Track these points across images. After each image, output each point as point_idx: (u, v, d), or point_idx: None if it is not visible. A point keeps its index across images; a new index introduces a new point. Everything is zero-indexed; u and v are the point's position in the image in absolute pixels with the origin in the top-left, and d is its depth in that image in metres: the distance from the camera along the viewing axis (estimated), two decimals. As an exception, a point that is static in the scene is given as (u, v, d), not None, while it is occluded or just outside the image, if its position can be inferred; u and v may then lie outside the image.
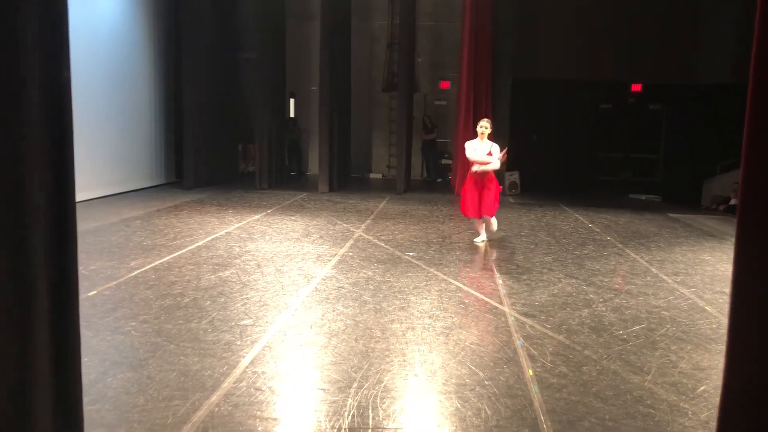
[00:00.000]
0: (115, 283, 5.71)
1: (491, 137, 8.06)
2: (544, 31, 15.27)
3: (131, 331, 4.49)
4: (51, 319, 1.81)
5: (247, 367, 3.89)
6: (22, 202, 1.71)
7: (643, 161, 15.86)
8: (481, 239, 8.28)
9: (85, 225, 8.54)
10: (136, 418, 3.19)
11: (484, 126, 7.96)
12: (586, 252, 7.84)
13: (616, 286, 6.22)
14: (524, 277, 6.42)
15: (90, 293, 5.34)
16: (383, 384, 3.69)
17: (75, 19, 1.88)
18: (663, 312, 5.32)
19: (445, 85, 17.03)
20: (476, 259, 7.21)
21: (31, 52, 1.69)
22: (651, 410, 3.45)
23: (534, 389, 3.67)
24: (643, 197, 14.25)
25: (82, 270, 6.07)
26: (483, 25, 13.90)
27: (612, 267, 7.05)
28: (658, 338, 4.65)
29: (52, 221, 1.80)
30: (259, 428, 3.12)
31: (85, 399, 3.34)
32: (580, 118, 15.82)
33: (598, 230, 9.57)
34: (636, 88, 16.18)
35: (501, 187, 8.33)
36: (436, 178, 16.77)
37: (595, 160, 16.05)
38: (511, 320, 4.95)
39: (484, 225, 8.32)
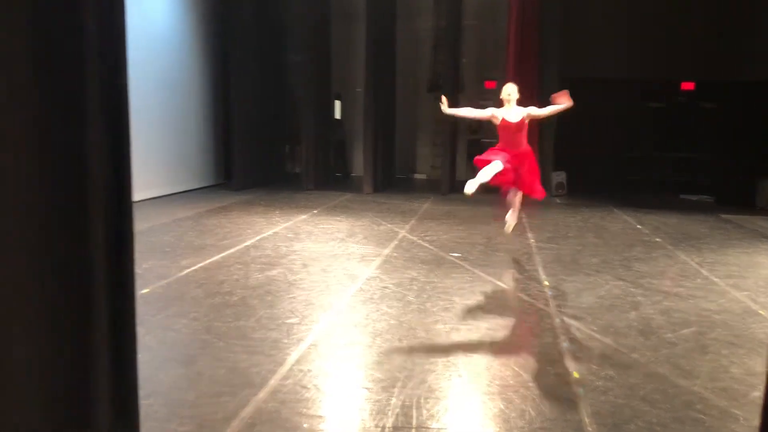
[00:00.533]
0: (166, 281, 5.88)
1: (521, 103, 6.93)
2: (592, 28, 15.03)
3: (182, 328, 4.62)
4: (109, 316, 1.89)
5: (293, 364, 3.97)
6: (84, 204, 1.80)
7: (695, 161, 15.45)
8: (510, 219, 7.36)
9: (138, 225, 8.75)
10: (186, 413, 3.29)
11: (508, 92, 6.76)
12: (634, 254, 7.71)
13: (665, 288, 6.10)
14: (570, 278, 6.35)
15: (143, 291, 5.51)
16: (427, 384, 3.71)
17: (128, 24, 1.97)
18: (714, 315, 5.20)
19: (490, 85, 16.90)
20: (522, 261, 7.16)
21: (92, 60, 1.78)
22: (701, 415, 3.38)
23: (579, 392, 3.64)
24: (695, 198, 13.90)
25: (136, 269, 6.25)
26: (529, 23, 13.78)
27: (661, 269, 6.91)
28: (708, 342, 4.55)
29: (112, 222, 1.89)
30: (305, 425, 3.18)
31: (140, 393, 3.47)
32: (629, 117, 15.52)
33: (647, 231, 9.38)
34: (688, 86, 15.80)
35: (539, 174, 7.20)
36: (481, 178, 16.67)
37: (645, 160, 15.72)
38: (556, 322, 4.91)
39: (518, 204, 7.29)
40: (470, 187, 6.64)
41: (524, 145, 6.77)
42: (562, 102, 6.70)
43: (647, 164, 15.81)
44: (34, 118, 1.69)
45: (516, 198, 7.19)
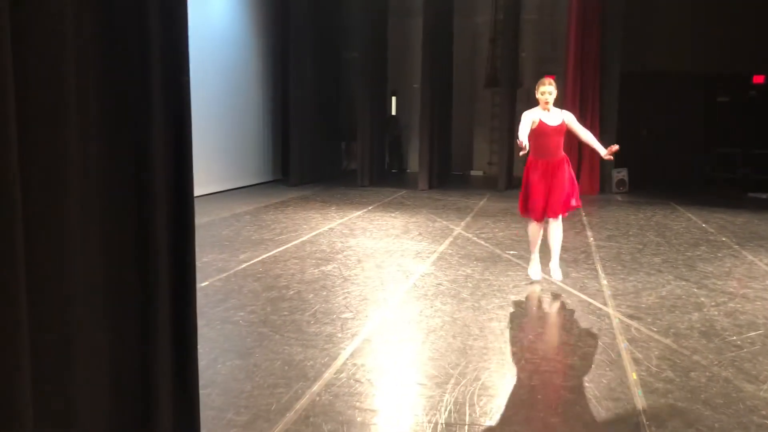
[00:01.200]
0: (225, 275, 6.02)
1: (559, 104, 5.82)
2: (656, 21, 14.61)
3: (240, 321, 4.73)
4: (171, 308, 1.96)
5: (347, 359, 4.01)
6: (147, 198, 1.86)
7: (764, 157, 14.82)
8: (535, 271, 5.97)
9: (198, 219, 9.00)
10: (243, 404, 3.36)
11: (547, 90, 5.59)
12: (698, 253, 7.46)
13: (731, 289, 5.88)
14: (631, 278, 6.20)
15: (202, 284, 5.66)
16: (481, 381, 3.69)
17: (190, 22, 2.02)
18: (783, 318, 4.98)
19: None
20: (580, 260, 7.02)
21: (156, 60, 1.84)
22: (766, 421, 3.25)
23: (638, 393, 3.55)
24: (764, 196, 13.32)
25: (196, 262, 6.43)
26: (590, 15, 13.45)
27: (727, 269, 6.67)
28: (776, 346, 4.37)
29: (174, 216, 1.95)
30: (358, 419, 3.21)
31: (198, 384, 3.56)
32: (694, 112, 15.02)
33: (712, 230, 9.06)
34: (759, 79, 15.17)
35: (575, 181, 5.85)
36: (539, 175, 16.42)
37: (711, 156, 15.18)
38: (615, 322, 4.81)
39: (540, 240, 5.91)
40: (533, 271, 5.95)
41: (561, 153, 5.70)
42: (607, 154, 5.71)
43: (713, 161, 15.26)
44: (102, 114, 1.75)
45: (538, 236, 5.89)
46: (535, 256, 5.93)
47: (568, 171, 5.66)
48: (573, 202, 5.68)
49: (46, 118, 1.55)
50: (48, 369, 1.57)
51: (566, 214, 5.83)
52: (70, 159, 1.61)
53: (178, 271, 2.00)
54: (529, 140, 5.34)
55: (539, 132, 5.52)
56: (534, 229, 5.84)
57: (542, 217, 5.69)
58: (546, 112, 5.57)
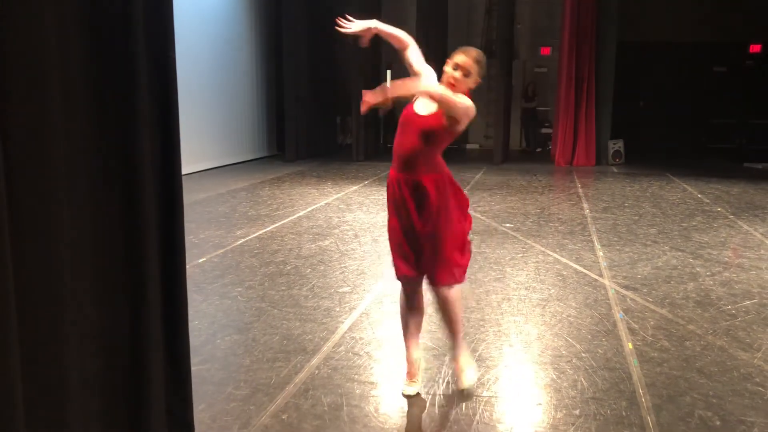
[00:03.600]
0: (222, 251, 6.02)
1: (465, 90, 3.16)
2: (652, -10, 14.48)
3: (237, 296, 4.74)
4: (161, 284, 1.96)
5: (345, 332, 4.03)
6: (133, 175, 1.86)
7: (761, 127, 14.80)
8: (411, 389, 3.22)
9: (194, 196, 9.01)
10: (242, 378, 3.39)
11: (456, 62, 3.11)
12: (694, 224, 7.48)
13: (726, 259, 5.91)
14: (626, 249, 6.23)
15: (200, 260, 5.67)
16: (478, 353, 3.72)
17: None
18: (778, 287, 5.02)
19: (545, 51, 16.53)
20: (576, 231, 7.04)
21: (140, 34, 1.82)
22: (760, 388, 3.30)
23: (633, 363, 3.59)
24: (760, 166, 13.34)
25: (192, 239, 6.44)
26: (586, -14, 13.33)
27: (722, 239, 6.70)
28: (771, 314, 4.41)
29: (161, 192, 1.94)
30: (357, 391, 3.24)
31: (196, 359, 3.59)
32: (691, 82, 14.96)
33: (707, 201, 9.08)
34: (755, 48, 15.09)
35: (467, 199, 3.47)
36: (535, 147, 16.41)
37: (707, 126, 15.16)
38: (611, 293, 4.84)
39: (419, 331, 3.39)
40: (409, 389, 3.24)
41: (428, 168, 3.17)
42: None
43: (709, 131, 15.25)
44: (86, 89, 1.73)
45: (408, 311, 3.34)
46: (411, 355, 3.29)
47: (445, 208, 3.16)
48: (455, 274, 3.14)
49: (29, 93, 1.53)
50: (38, 345, 1.58)
51: (451, 284, 3.15)
52: (54, 137, 1.60)
53: (168, 246, 2.00)
54: (438, 147, 3.17)
55: (404, 118, 3.16)
56: (402, 300, 3.32)
57: (412, 275, 3.17)
58: (424, 100, 3.12)
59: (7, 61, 1.48)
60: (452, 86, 3.06)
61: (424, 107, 3.12)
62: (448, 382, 3.34)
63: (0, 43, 1.44)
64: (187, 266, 5.50)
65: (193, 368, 3.42)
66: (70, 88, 1.66)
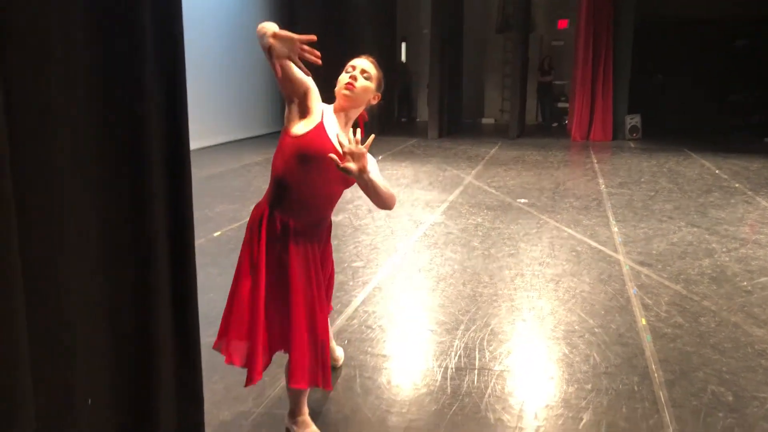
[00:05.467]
0: (237, 224, 6.06)
1: (362, 120, 2.61)
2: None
3: (252, 269, 4.77)
4: (170, 261, 1.98)
5: (358, 306, 4.06)
6: (141, 150, 1.86)
7: (783, 102, 14.54)
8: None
9: (208, 170, 9.04)
10: (257, 350, 3.42)
11: (360, 66, 2.53)
12: (711, 200, 7.41)
13: (743, 235, 5.86)
14: (642, 225, 6.18)
15: (215, 234, 5.70)
16: (490, 327, 3.73)
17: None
18: (795, 264, 4.98)
19: (562, 24, 16.30)
20: (591, 207, 7.00)
21: (147, 5, 1.81)
22: (774, 365, 3.29)
23: (647, 338, 3.59)
24: (781, 141, 13.15)
25: (207, 212, 6.48)
26: (605, -42, 13.08)
27: (739, 216, 6.63)
28: (787, 291, 4.37)
29: (169, 168, 1.94)
30: (371, 364, 3.27)
31: (211, 331, 3.62)
32: (711, 56, 14.70)
33: (725, 177, 8.98)
34: (778, 21, 14.77)
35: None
36: (552, 122, 16.28)
37: (727, 101, 14.92)
38: (625, 269, 4.82)
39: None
40: None
41: (326, 219, 2.65)
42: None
43: (729, 106, 15.01)
44: (91, 68, 1.73)
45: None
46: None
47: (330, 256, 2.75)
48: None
49: (32, 71, 1.53)
50: (44, 323, 1.60)
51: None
52: (58, 111, 1.60)
53: (176, 223, 2.00)
54: (289, 168, 2.44)
55: (313, 149, 2.37)
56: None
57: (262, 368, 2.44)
58: (339, 125, 2.49)
59: (10, 33, 1.48)
60: (351, 91, 2.47)
61: (331, 141, 2.39)
62: (460, 356, 3.36)
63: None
64: (203, 239, 5.56)
65: (208, 340, 3.46)
66: (75, 64, 1.66)
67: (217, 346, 2.51)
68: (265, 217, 2.47)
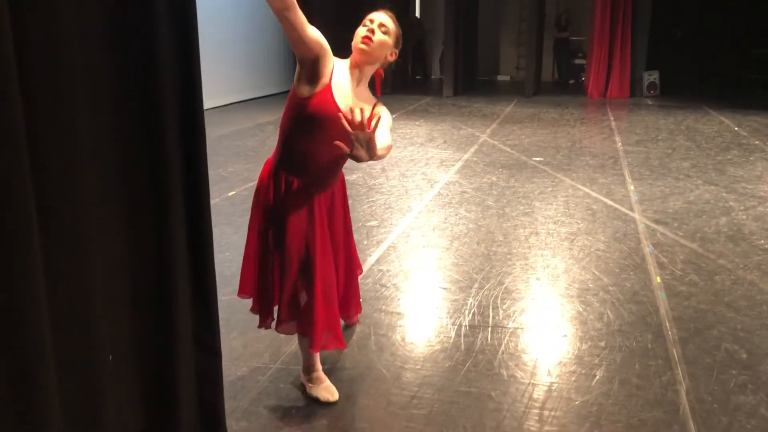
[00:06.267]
0: (251, 184, 6.07)
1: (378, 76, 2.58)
2: None
3: (267, 229, 4.80)
4: (186, 218, 1.99)
5: (373, 265, 4.08)
6: (155, 112, 1.86)
7: (806, 57, 14.16)
8: None
9: (222, 130, 9.03)
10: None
11: (379, 20, 2.44)
12: (729, 157, 7.31)
13: (761, 193, 5.79)
14: (659, 183, 6.13)
15: (230, 194, 5.73)
16: (504, 286, 3.75)
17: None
18: (813, 222, 4.92)
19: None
20: (607, 165, 6.94)
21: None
22: (789, 323, 3.28)
23: (661, 296, 3.59)
24: (803, 97, 12.87)
25: (221, 172, 6.49)
26: None
27: (758, 173, 6.54)
28: (804, 249, 4.34)
29: (183, 127, 1.94)
30: (385, 321, 3.31)
31: (228, 289, 3.67)
32: (731, 9, 14.29)
33: (744, 134, 8.84)
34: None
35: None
36: (568, 79, 16.02)
37: (748, 56, 14.56)
38: (641, 227, 4.79)
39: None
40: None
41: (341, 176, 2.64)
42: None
43: (750, 61, 14.66)
44: (102, 26, 1.72)
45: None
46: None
47: (346, 213, 2.73)
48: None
49: (45, 30, 1.53)
50: (64, 272, 1.63)
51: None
52: (73, 74, 1.60)
53: (192, 180, 2.01)
54: (294, 129, 2.40)
55: (314, 111, 2.34)
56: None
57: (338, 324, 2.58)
58: (351, 81, 2.43)
59: (32, 21, 1.47)
60: (367, 44, 2.38)
61: (343, 101, 2.38)
62: (474, 313, 3.38)
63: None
64: (217, 199, 5.58)
65: (225, 298, 3.51)
66: (87, 23, 1.65)
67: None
68: (272, 177, 2.48)
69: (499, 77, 17.05)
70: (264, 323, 2.61)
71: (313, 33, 2.27)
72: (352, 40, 2.43)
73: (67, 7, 1.56)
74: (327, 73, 2.33)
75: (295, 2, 2.15)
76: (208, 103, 9.91)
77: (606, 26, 13.10)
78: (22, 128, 1.43)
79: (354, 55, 2.42)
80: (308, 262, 2.44)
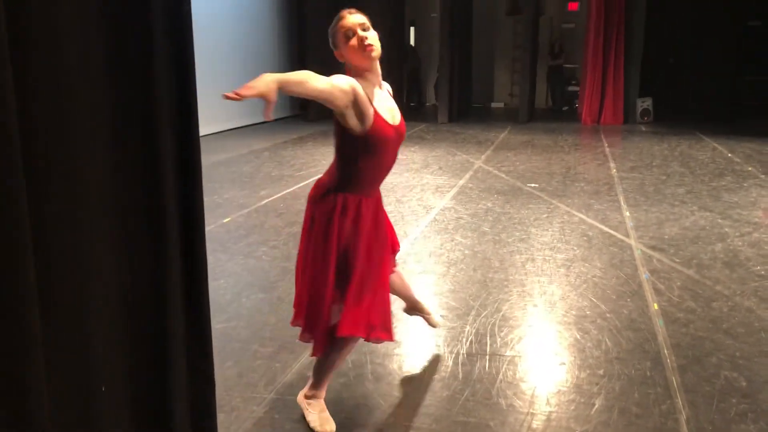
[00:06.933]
0: (246, 211, 6.06)
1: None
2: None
3: (262, 255, 4.78)
4: (180, 245, 1.97)
5: (369, 292, 4.05)
6: (151, 135, 1.85)
7: (797, 84, 14.33)
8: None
9: (217, 156, 9.04)
10: (267, 335, 3.43)
11: (359, 23, 2.46)
12: (723, 183, 7.34)
13: (756, 219, 5.81)
14: (654, 209, 6.14)
15: (224, 220, 5.71)
16: (501, 313, 3.72)
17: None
18: (809, 248, 4.93)
19: (573, 6, 16.13)
20: (602, 191, 6.95)
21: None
22: (788, 350, 3.26)
23: (659, 323, 3.57)
24: (794, 124, 12.99)
25: (217, 198, 6.48)
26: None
27: (752, 199, 6.57)
28: (801, 276, 4.33)
29: (179, 154, 1.94)
30: (382, 350, 3.27)
31: (222, 317, 3.64)
32: (723, 37, 14.48)
33: (738, 160, 8.89)
34: (793, 1, 14.53)
35: None
36: (562, 106, 16.15)
37: (740, 83, 14.73)
38: (637, 253, 4.79)
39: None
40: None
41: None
42: None
43: (742, 88, 14.82)
44: (103, 51, 1.72)
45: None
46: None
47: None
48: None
49: (46, 57, 1.53)
50: (60, 310, 1.61)
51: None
52: (71, 98, 1.60)
53: (186, 206, 2.00)
54: (343, 156, 2.54)
55: (377, 136, 2.45)
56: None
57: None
58: (375, 88, 2.51)
59: (28, 22, 1.47)
60: (373, 49, 2.42)
61: (389, 114, 2.51)
62: (471, 341, 3.35)
63: None
64: (212, 226, 5.56)
65: (219, 326, 3.48)
66: (88, 52, 1.65)
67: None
68: (339, 202, 2.49)
69: (494, 104, 17.18)
70: (310, 336, 2.58)
71: (337, 86, 2.29)
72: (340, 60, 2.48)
73: (66, 44, 1.56)
74: (367, 103, 2.39)
75: (306, 77, 2.23)
76: (203, 129, 9.94)
77: (599, 54, 13.25)
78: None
79: (365, 64, 2.44)
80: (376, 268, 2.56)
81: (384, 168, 2.57)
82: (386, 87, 2.64)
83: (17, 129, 1.41)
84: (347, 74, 2.43)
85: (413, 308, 3.27)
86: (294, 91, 2.22)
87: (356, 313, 2.45)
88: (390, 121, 2.47)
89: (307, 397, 2.67)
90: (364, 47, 2.39)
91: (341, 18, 2.46)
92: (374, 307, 2.51)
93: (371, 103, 2.40)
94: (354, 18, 2.44)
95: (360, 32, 2.41)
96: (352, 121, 2.39)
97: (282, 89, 2.17)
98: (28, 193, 1.45)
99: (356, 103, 2.35)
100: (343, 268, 2.47)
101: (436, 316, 3.33)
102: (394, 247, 2.93)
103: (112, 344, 1.81)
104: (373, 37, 2.42)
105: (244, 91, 2.04)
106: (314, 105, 13.54)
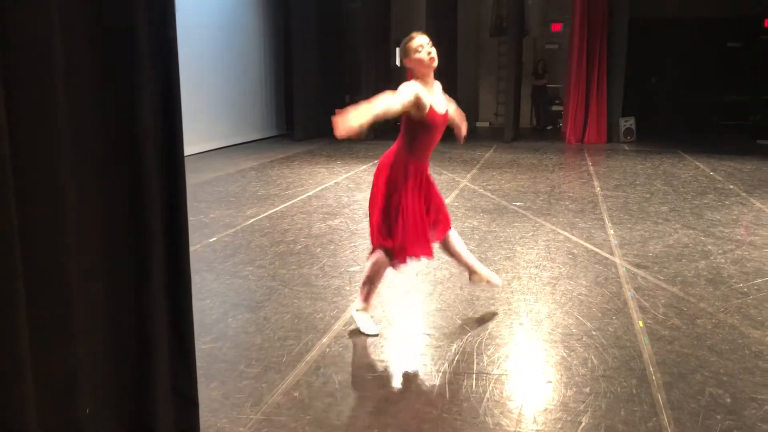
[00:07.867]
0: (233, 230, 6.04)
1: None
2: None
3: (248, 275, 4.76)
4: (165, 265, 1.97)
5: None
6: (136, 156, 1.86)
7: (776, 103, 14.58)
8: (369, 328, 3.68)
9: (204, 176, 9.03)
10: (254, 356, 3.41)
11: (427, 43, 3.45)
12: (705, 201, 7.43)
13: (738, 237, 5.88)
14: (638, 227, 6.19)
15: (211, 240, 5.69)
16: (488, 331, 3.73)
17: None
18: (790, 265, 4.99)
19: (556, 27, 16.35)
20: (587, 210, 7.01)
21: (141, 12, 1.80)
22: (771, 366, 3.29)
23: (644, 341, 3.59)
24: (774, 143, 13.19)
25: (203, 218, 6.46)
26: (598, -40, 13.12)
27: (734, 217, 6.65)
28: (783, 292, 4.38)
29: (164, 173, 1.94)
30: (369, 370, 3.26)
31: (208, 337, 3.62)
32: (704, 58, 14.75)
33: (720, 178, 9.01)
34: (770, 23, 14.84)
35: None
36: (546, 125, 16.30)
37: (721, 103, 14.97)
38: (622, 271, 4.82)
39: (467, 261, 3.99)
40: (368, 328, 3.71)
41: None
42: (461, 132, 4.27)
43: (723, 108, 15.06)
44: (88, 71, 1.73)
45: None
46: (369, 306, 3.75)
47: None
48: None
49: (33, 76, 1.53)
50: (45, 328, 1.60)
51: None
52: (58, 119, 1.60)
53: (171, 227, 2.00)
54: (407, 133, 3.53)
55: (430, 122, 3.46)
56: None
57: (431, 252, 3.66)
58: (430, 87, 3.49)
59: (12, 39, 1.48)
60: (435, 60, 3.45)
61: (441, 104, 3.58)
62: (458, 360, 3.35)
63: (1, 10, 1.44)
64: (198, 245, 5.54)
65: (205, 347, 3.46)
66: (74, 68, 1.66)
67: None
68: (409, 165, 3.53)
69: (479, 123, 17.30)
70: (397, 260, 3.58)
71: (405, 103, 3.32)
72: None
73: (55, 55, 1.57)
74: (426, 99, 3.40)
75: (387, 106, 3.25)
76: (189, 149, 9.90)
77: (582, 74, 13.41)
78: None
79: (426, 71, 3.45)
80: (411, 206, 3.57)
81: (433, 142, 3.59)
82: (438, 85, 3.59)
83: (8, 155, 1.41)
84: (409, 78, 3.43)
85: (472, 272, 4.01)
86: (381, 120, 3.22)
87: (396, 236, 3.52)
88: (439, 111, 3.49)
89: (357, 310, 3.70)
90: (430, 59, 3.40)
91: (412, 38, 3.44)
92: (408, 238, 3.51)
93: (428, 101, 3.40)
94: (422, 38, 3.44)
95: (428, 48, 3.41)
96: (414, 111, 3.39)
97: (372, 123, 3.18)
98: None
99: (418, 104, 3.36)
100: (396, 206, 3.53)
101: (494, 278, 4.04)
102: (446, 217, 3.89)
103: (95, 365, 1.80)
104: (435, 52, 3.43)
105: (342, 133, 3.12)
106: (300, 125, 13.59)
